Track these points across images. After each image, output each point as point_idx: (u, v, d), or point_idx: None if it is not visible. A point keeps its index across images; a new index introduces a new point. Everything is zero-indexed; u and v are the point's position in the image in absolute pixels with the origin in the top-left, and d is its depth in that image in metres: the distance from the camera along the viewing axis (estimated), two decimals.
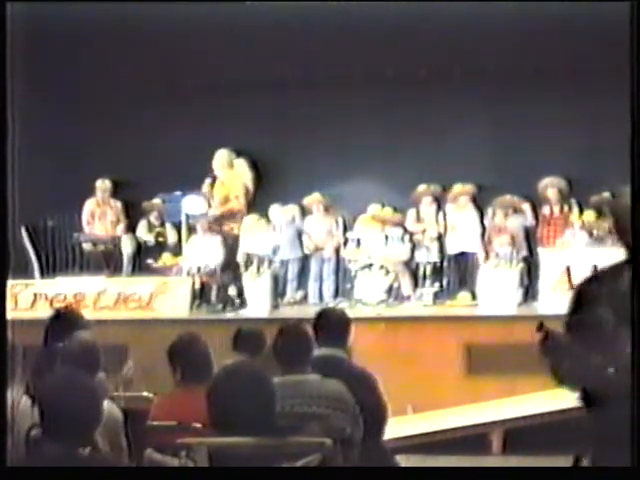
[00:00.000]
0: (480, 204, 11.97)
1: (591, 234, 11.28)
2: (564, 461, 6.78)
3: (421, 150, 12.05)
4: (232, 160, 12.48)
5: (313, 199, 12.18)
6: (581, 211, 11.63)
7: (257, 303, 10.80)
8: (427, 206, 12.00)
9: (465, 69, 11.90)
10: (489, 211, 11.83)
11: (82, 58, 12.22)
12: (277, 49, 11.81)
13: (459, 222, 11.74)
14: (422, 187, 12.02)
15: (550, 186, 11.78)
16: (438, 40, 11.52)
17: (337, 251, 11.98)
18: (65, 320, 5.80)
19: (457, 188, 11.82)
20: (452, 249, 11.73)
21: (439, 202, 12.01)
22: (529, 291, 11.01)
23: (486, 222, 11.80)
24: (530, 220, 11.81)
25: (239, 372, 3.59)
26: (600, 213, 11.49)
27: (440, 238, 11.78)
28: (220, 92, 12.42)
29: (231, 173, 12.46)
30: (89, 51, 12.14)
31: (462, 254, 11.72)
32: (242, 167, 12.55)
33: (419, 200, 12.03)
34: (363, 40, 11.56)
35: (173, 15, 11.28)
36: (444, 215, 11.92)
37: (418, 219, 11.94)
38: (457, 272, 11.72)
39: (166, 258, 11.96)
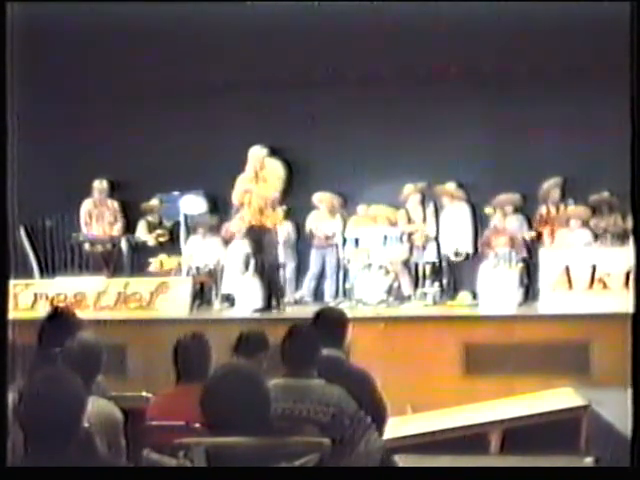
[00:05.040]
0: (475, 203, 12.00)
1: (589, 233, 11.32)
2: (563, 461, 6.81)
3: (420, 150, 12.05)
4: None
5: (325, 198, 12.10)
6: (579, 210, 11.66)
7: (256, 303, 10.77)
8: (415, 206, 11.98)
9: (464, 69, 11.91)
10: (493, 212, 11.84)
11: (81, 58, 12.22)
12: (274, 50, 11.83)
13: (450, 222, 11.74)
14: (409, 187, 12.01)
15: (548, 186, 11.79)
16: (438, 40, 11.52)
17: (337, 251, 11.96)
18: (60, 320, 5.78)
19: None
20: (445, 249, 11.72)
21: (425, 200, 11.98)
22: (529, 291, 11.01)
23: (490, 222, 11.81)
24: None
25: (231, 373, 3.57)
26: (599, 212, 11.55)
27: (437, 238, 11.78)
28: (218, 92, 12.42)
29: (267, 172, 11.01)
30: (88, 51, 12.15)
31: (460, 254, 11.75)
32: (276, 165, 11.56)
33: (406, 200, 12.02)
34: (362, 39, 11.57)
35: (173, 15, 11.28)
36: (436, 214, 11.91)
37: (409, 220, 11.92)
38: (457, 272, 11.72)
39: (163, 259, 11.93)
